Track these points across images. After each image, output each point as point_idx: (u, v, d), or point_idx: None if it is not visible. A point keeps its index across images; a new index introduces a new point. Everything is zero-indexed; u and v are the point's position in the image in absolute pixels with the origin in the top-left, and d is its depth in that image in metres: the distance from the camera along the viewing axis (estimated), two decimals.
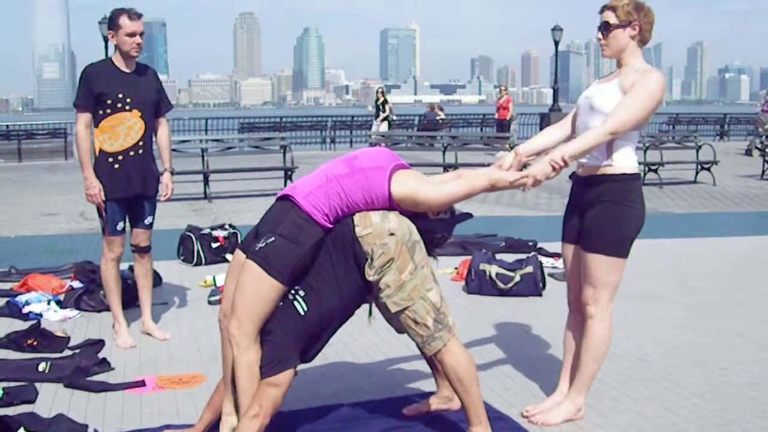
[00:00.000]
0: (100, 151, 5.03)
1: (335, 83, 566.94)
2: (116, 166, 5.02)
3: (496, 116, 22.48)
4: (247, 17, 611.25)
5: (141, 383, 4.38)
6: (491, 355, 4.86)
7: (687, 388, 4.25)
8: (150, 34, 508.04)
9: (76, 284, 6.24)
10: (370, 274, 3.30)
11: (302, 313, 3.27)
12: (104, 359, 4.75)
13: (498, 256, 6.75)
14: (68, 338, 5.16)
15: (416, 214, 3.43)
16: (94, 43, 25.77)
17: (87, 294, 5.97)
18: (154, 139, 5.27)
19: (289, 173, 13.39)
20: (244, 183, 13.88)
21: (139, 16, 5.04)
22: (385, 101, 21.73)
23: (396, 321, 3.46)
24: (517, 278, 6.23)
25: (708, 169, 14.96)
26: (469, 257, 6.68)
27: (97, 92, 4.95)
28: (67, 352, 4.93)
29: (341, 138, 26.25)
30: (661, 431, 3.67)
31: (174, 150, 15.41)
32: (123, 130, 5.01)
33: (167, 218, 10.49)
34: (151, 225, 5.30)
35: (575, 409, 3.83)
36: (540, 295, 6.28)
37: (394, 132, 21.04)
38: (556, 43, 27.71)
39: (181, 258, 7.64)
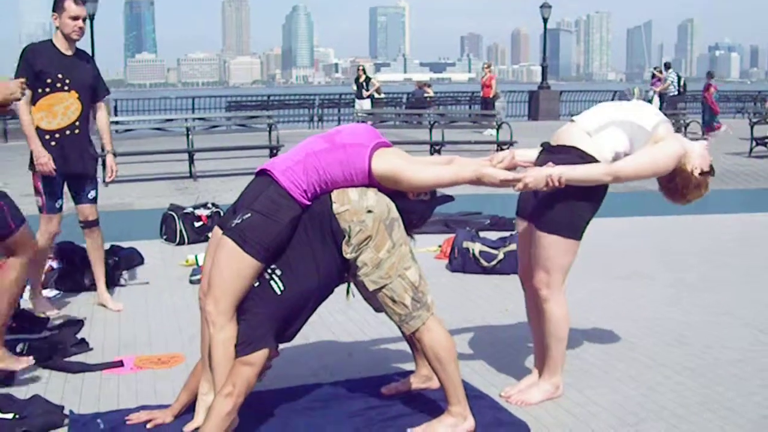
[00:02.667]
0: (37, 128, 5.06)
1: (324, 61, 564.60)
2: (53, 143, 5.09)
3: (481, 94, 22.42)
4: None
5: (119, 363, 4.34)
6: (472, 333, 4.84)
7: (670, 366, 4.22)
8: (138, 13, 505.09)
9: (56, 264, 6.17)
10: (348, 252, 3.25)
11: (278, 292, 3.23)
12: (83, 339, 4.70)
13: (482, 234, 6.72)
14: (47, 318, 5.11)
15: (396, 193, 3.37)
16: None
17: (66, 274, 5.91)
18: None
19: (275, 151, 13.31)
20: (229, 162, 13.79)
21: (84, 1, 5.10)
22: (368, 79, 21.59)
23: (374, 299, 3.42)
24: (501, 256, 6.20)
25: None
26: (453, 235, 6.64)
27: (37, 70, 5.00)
28: (46, 333, 4.88)
29: (329, 116, 26.12)
30: (641, 409, 3.65)
31: (159, 129, 15.48)
32: (60, 109, 5.09)
33: (150, 198, 10.44)
34: (95, 199, 5.42)
35: (554, 387, 3.81)
36: None
37: (380, 110, 20.95)
38: (545, 20, 27.59)
39: (164, 237, 7.58)
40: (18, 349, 4.45)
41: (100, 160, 5.61)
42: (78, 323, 5.03)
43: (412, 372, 3.89)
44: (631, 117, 3.71)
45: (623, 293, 5.72)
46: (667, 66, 23.15)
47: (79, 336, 4.79)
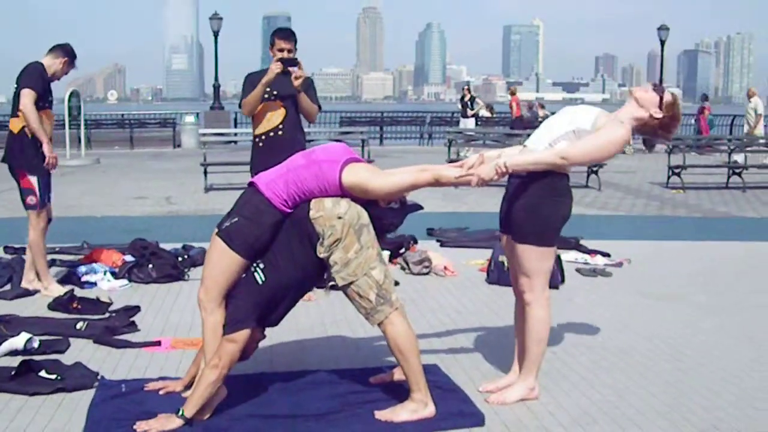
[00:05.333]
0: (33, 136, 5.94)
1: (456, 79, 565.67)
2: (41, 149, 5.97)
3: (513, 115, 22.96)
4: (369, 12, 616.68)
5: (157, 343, 4.98)
6: (474, 336, 5.23)
7: (651, 378, 4.47)
8: (275, 27, 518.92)
9: (129, 258, 6.91)
10: (321, 252, 3.76)
11: (260, 282, 3.77)
12: (133, 322, 5.37)
13: None
14: (110, 303, 5.81)
15: (368, 202, 3.86)
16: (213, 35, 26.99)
17: (137, 267, 6.64)
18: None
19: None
20: None
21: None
22: (473, 98, 22.00)
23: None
24: None
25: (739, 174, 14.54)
26: None
27: (46, 87, 6.04)
28: (105, 315, 5.57)
29: (438, 134, 26.55)
30: (601, 413, 3.94)
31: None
32: (49, 122, 6.10)
33: None
34: None
35: (528, 389, 4.15)
36: (556, 288, 6.54)
37: (481, 129, 21.17)
38: (662, 42, 27.36)
39: None
40: (77, 327, 5.17)
41: None
42: (134, 309, 5.69)
43: None
44: (572, 125, 4.02)
45: (647, 312, 5.94)
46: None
47: (132, 319, 5.45)
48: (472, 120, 21.75)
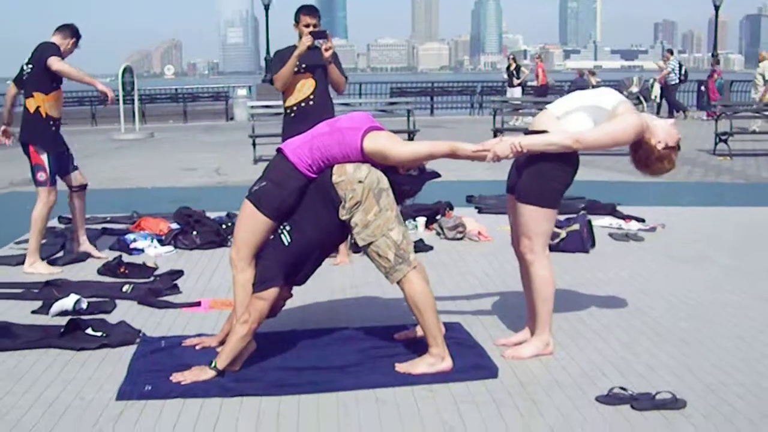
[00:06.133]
0: (47, 114, 6.21)
1: (513, 48, 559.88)
2: (53, 128, 6.27)
3: (535, 83, 22.98)
4: None
5: (197, 304, 5.29)
6: (499, 297, 5.44)
7: (664, 336, 4.64)
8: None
9: (175, 226, 7.24)
10: (343, 214, 4.00)
11: (286, 243, 4.03)
12: (176, 285, 5.70)
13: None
14: (155, 268, 6.14)
15: (388, 168, 4.09)
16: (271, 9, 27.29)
17: (182, 234, 6.97)
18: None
19: (411, 136, 14.08)
20: None
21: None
22: (518, 67, 22.00)
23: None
24: (563, 235, 6.71)
25: None
26: None
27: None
28: (150, 279, 5.90)
29: (488, 104, 26.52)
30: (611, 367, 4.13)
31: None
32: (60, 102, 6.38)
33: None
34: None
35: (543, 344, 4.36)
36: (586, 251, 6.71)
37: (524, 98, 21.18)
38: (716, 7, 26.86)
39: None
40: (123, 289, 5.52)
41: None
42: (178, 273, 6.02)
43: None
44: (594, 101, 4.27)
45: (670, 274, 6.07)
46: (671, 52, 22.77)
47: (175, 282, 5.77)
48: (519, 89, 21.76)
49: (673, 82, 21.60)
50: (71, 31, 6.42)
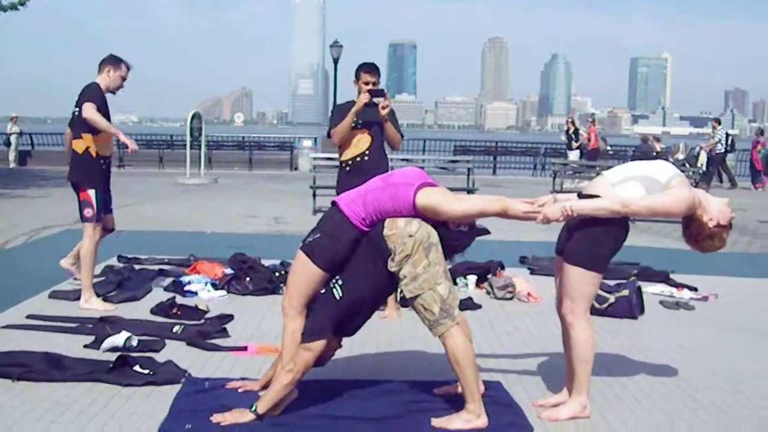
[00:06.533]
0: (97, 154, 6.42)
1: (581, 110, 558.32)
2: (103, 167, 6.53)
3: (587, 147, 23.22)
4: (496, 42, 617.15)
5: (244, 348, 5.40)
6: (545, 358, 5.44)
7: (705, 406, 4.59)
8: (402, 55, 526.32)
9: (229, 271, 7.41)
10: (392, 266, 4.09)
11: (338, 297, 4.13)
12: (225, 329, 5.83)
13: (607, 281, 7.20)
14: (207, 311, 6.30)
15: (438, 223, 4.18)
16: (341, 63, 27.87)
17: (235, 279, 7.14)
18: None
19: (470, 193, 14.15)
20: None
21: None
22: (576, 130, 22.10)
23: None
24: (612, 300, 6.69)
25: None
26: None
27: (103, 103, 6.43)
28: (201, 321, 6.05)
29: (550, 165, 26.55)
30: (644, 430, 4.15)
31: None
32: (109, 141, 6.59)
33: None
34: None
35: (581, 407, 4.37)
36: (635, 318, 6.68)
37: (581, 161, 21.15)
38: None
39: None
40: (174, 330, 5.66)
41: None
42: (228, 317, 6.16)
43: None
44: (650, 172, 4.32)
45: (717, 344, 6.00)
46: (718, 122, 22.99)
47: (225, 326, 5.91)
48: (577, 152, 21.85)
49: (719, 152, 21.76)
50: (107, 62, 6.55)
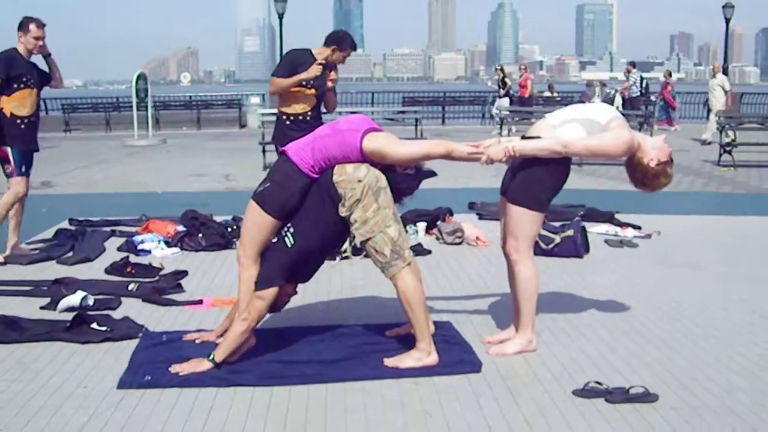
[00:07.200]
0: (11, 114, 6.59)
1: (529, 59, 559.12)
2: (22, 126, 6.69)
3: (518, 94, 23.75)
4: None
5: (199, 302, 5.50)
6: (495, 299, 5.62)
7: (645, 336, 4.81)
8: (348, 9, 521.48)
9: (182, 228, 7.48)
10: (343, 211, 4.21)
11: (289, 245, 4.24)
12: (180, 284, 5.91)
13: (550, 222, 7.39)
14: (161, 268, 6.36)
15: (386, 167, 4.29)
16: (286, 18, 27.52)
17: (188, 236, 7.21)
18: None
19: None
20: None
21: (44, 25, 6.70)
22: (504, 77, 22.46)
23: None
24: (557, 240, 6.89)
25: None
26: None
27: (17, 73, 6.61)
28: (156, 278, 6.12)
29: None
30: (591, 364, 4.32)
31: None
32: (24, 101, 6.69)
33: None
34: None
35: (527, 341, 4.55)
36: (580, 257, 6.89)
37: (513, 107, 21.43)
38: (727, 21, 27.03)
39: None
40: (129, 288, 5.74)
41: None
42: (182, 273, 6.24)
43: None
44: (590, 114, 4.48)
45: (658, 279, 6.24)
46: (633, 65, 23.65)
47: (179, 282, 5.99)
48: (506, 99, 22.25)
49: (634, 95, 22.37)
50: (19, 28, 6.76)
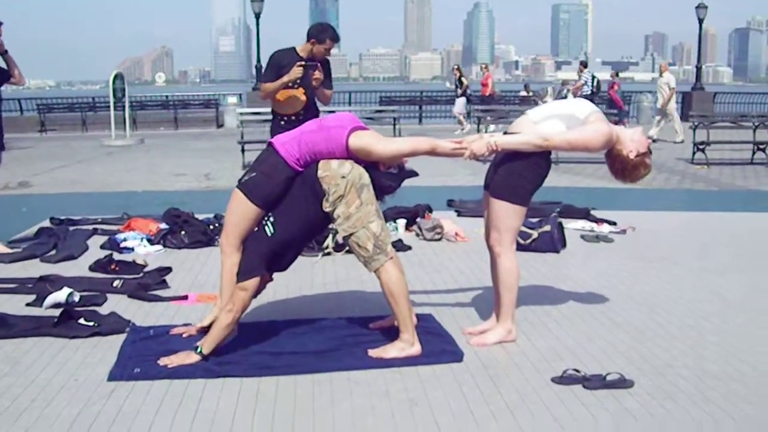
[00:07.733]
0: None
1: (505, 58, 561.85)
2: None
3: (480, 93, 24.10)
4: None
5: (184, 297, 5.58)
6: (476, 293, 5.75)
7: (622, 326, 4.96)
8: (324, 8, 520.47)
9: (164, 226, 7.54)
10: (326, 206, 4.32)
11: (269, 234, 4.34)
12: (164, 280, 5.99)
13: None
14: (145, 265, 6.43)
15: (370, 165, 4.40)
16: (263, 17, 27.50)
17: (170, 234, 7.27)
18: None
19: None
20: None
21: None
22: (461, 77, 22.68)
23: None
24: (535, 235, 7.03)
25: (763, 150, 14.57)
26: None
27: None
28: (140, 275, 6.19)
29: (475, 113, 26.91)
30: (568, 352, 4.46)
31: None
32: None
33: None
34: None
35: (506, 332, 4.68)
36: (557, 252, 7.03)
37: (468, 107, 21.79)
38: (700, 21, 27.38)
39: None
40: (114, 284, 5.80)
41: None
42: (166, 270, 6.31)
43: None
44: (569, 110, 4.62)
45: (634, 273, 6.37)
46: (584, 65, 23.83)
47: (164, 278, 6.06)
48: (463, 99, 22.48)
49: (585, 94, 22.45)
50: None
